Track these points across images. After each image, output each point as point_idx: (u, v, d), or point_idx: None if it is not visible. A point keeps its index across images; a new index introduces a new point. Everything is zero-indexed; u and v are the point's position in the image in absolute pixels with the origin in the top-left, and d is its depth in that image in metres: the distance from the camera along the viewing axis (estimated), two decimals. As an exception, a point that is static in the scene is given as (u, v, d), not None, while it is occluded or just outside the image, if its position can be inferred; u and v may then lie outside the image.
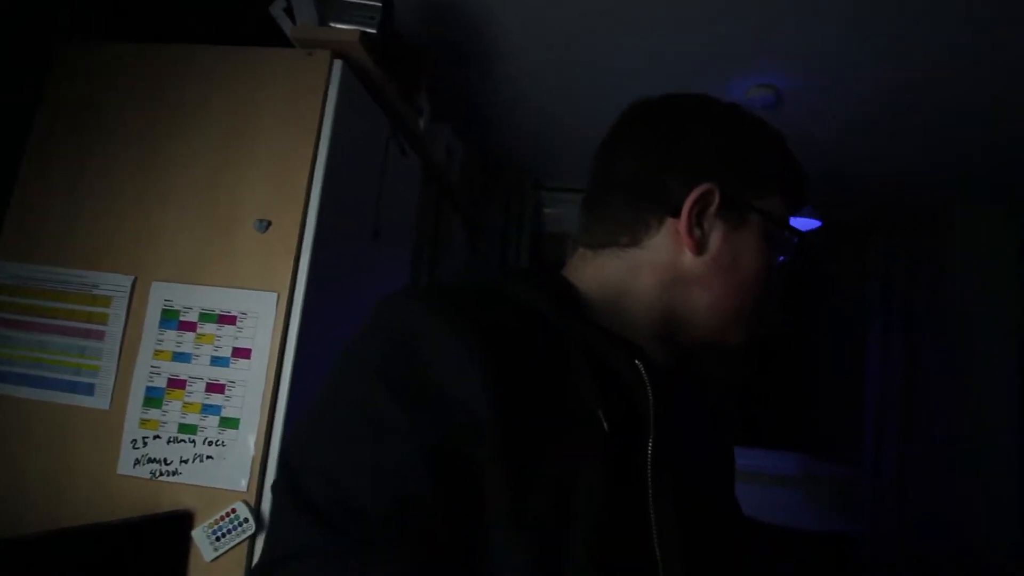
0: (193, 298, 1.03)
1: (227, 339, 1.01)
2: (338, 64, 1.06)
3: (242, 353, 1.01)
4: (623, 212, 0.51)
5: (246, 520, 0.97)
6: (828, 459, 2.36)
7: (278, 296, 1.01)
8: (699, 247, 0.49)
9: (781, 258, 0.53)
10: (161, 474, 0.98)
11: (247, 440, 0.99)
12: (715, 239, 0.50)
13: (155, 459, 0.99)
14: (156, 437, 0.99)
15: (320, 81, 1.05)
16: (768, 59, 1.52)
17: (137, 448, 0.99)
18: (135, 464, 0.99)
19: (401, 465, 0.37)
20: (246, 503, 0.97)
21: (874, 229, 2.33)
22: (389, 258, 1.45)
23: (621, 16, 1.41)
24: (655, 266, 0.50)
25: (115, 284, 1.04)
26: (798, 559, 2.16)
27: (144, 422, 1.00)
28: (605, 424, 0.42)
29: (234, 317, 1.02)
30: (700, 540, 0.45)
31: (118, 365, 1.02)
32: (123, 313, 1.03)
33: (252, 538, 0.97)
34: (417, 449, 0.37)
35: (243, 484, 0.98)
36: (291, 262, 1.02)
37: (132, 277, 1.04)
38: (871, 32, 1.37)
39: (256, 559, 0.97)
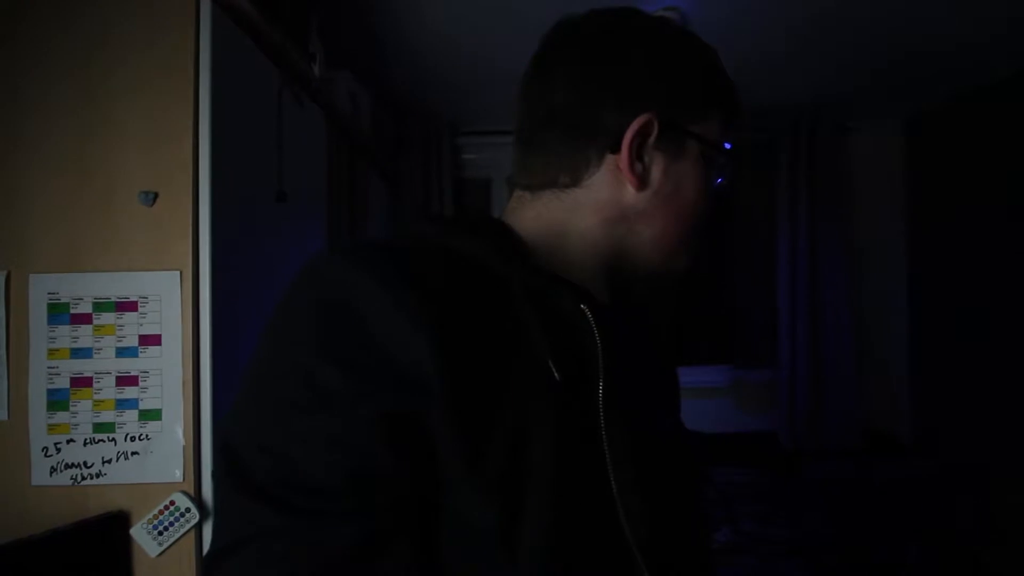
0: (82, 287, 0.93)
1: (131, 327, 0.93)
2: (206, 3, 0.94)
3: (151, 340, 0.93)
4: (561, 150, 0.49)
5: (188, 510, 0.93)
6: (751, 367, 2.56)
7: (181, 274, 0.93)
8: (641, 182, 0.48)
9: (718, 180, 0.52)
10: (83, 478, 0.92)
11: (174, 429, 0.93)
12: (656, 172, 0.48)
13: (73, 464, 0.92)
14: (70, 441, 0.92)
15: (187, 24, 0.93)
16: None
17: (50, 456, 0.91)
18: (51, 472, 0.91)
19: (351, 434, 0.35)
20: (185, 493, 0.93)
21: (779, 150, 2.45)
22: (301, 221, 1.36)
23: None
24: (597, 205, 0.49)
25: (-16, 282, 0.92)
26: (728, 460, 2.38)
27: (52, 427, 0.92)
28: (556, 374, 0.41)
29: (135, 303, 0.93)
30: (654, 472, 0.45)
31: (7, 370, 0.92)
32: (1, 313, 0.92)
33: (199, 526, 0.94)
34: (366, 416, 0.35)
35: (178, 475, 0.93)
36: (189, 236, 0.94)
37: (4, 272, 0.92)
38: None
39: (208, 546, 0.95)
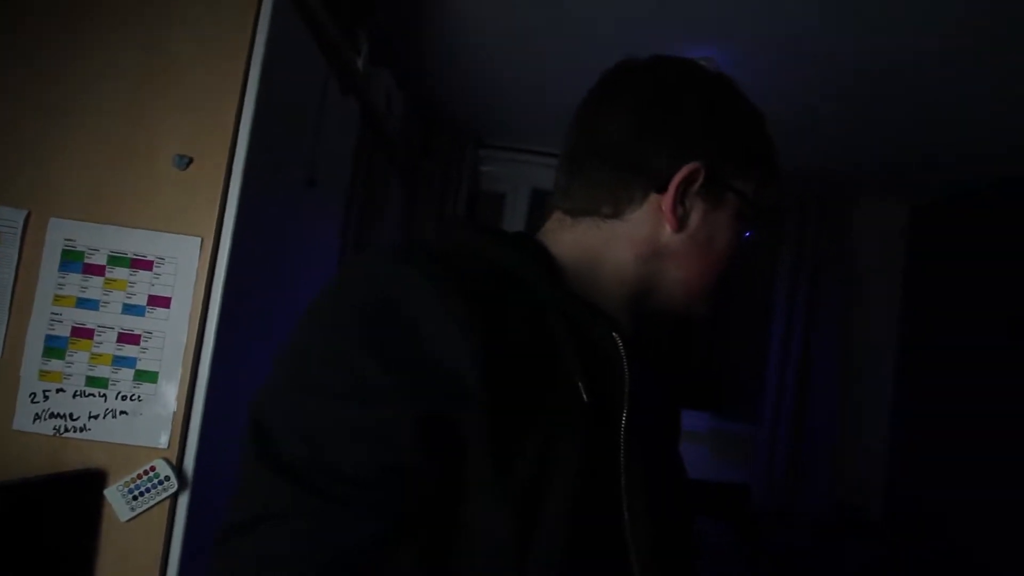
0: (100, 239, 0.92)
1: (142, 286, 0.93)
2: (271, -16, 0.96)
3: (160, 302, 0.93)
4: (608, 181, 0.51)
5: (167, 478, 0.91)
6: (732, 418, 2.58)
7: (202, 241, 0.94)
8: (680, 224, 0.50)
9: (747, 234, 0.55)
10: (67, 430, 0.90)
11: (167, 394, 0.92)
12: (695, 217, 0.51)
13: (59, 414, 0.90)
14: (60, 390, 0.90)
15: (251, 3, 0.95)
16: (710, 36, 1.55)
17: (37, 402, 0.90)
18: (35, 419, 0.89)
19: (385, 430, 0.36)
20: (167, 460, 0.91)
21: (787, 215, 2.51)
22: (322, 209, 1.37)
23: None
24: (633, 239, 0.51)
25: (4, 219, 0.91)
26: (700, 507, 2.38)
27: (44, 374, 0.90)
28: (584, 395, 0.42)
29: (151, 262, 0.93)
30: (662, 503, 0.47)
31: (10, 310, 0.91)
32: (15, 252, 0.91)
33: (174, 497, 0.92)
34: (403, 415, 0.36)
35: (163, 441, 0.92)
36: (216, 205, 0.94)
37: (25, 211, 0.92)
38: (802, 34, 1.44)
39: (180, 519, 0.93)
